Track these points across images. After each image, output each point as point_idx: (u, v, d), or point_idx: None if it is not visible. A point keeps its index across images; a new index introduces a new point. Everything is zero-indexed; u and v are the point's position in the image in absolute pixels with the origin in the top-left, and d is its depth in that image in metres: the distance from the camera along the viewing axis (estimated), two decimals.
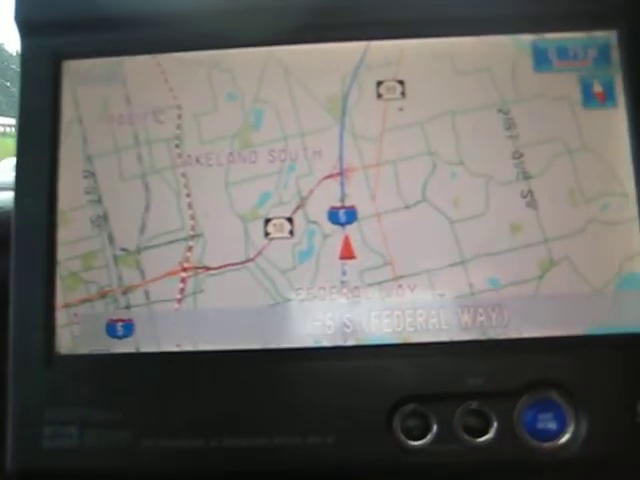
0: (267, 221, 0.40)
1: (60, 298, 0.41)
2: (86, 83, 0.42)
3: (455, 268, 0.40)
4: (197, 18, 0.42)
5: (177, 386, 0.39)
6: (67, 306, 0.41)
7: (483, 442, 0.38)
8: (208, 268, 0.40)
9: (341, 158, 0.41)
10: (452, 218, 0.40)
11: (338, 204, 0.40)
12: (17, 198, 0.41)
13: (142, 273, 0.41)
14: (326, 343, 0.40)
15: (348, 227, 0.40)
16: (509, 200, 0.40)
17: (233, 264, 0.40)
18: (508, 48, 0.41)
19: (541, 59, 0.41)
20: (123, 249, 0.41)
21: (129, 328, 0.40)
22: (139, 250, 0.41)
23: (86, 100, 0.42)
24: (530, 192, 0.40)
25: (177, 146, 0.41)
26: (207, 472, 0.39)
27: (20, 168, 0.41)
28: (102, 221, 0.41)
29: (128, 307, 0.40)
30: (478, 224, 0.40)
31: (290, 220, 0.40)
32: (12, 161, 0.43)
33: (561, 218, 0.39)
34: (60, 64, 0.42)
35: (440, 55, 0.41)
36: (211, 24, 0.42)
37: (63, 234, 0.41)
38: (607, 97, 0.40)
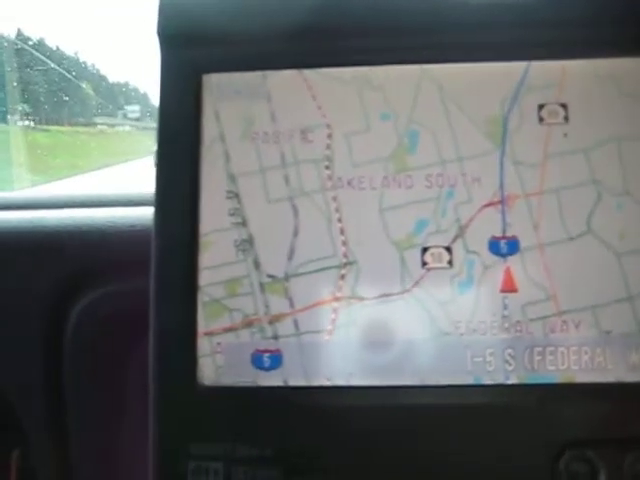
0: (424, 250, 0.39)
1: (202, 326, 0.39)
2: (228, 98, 0.40)
3: (622, 304, 0.38)
4: (346, 32, 0.40)
5: (329, 422, 0.37)
6: (210, 334, 0.39)
7: None
8: (361, 298, 0.39)
9: (502, 185, 0.39)
10: (618, 251, 0.38)
11: (499, 234, 0.39)
12: (157, 219, 0.39)
13: (291, 302, 0.39)
14: (487, 381, 0.38)
15: (510, 258, 0.39)
16: None
17: (388, 294, 0.38)
18: None
19: None
20: (270, 275, 0.39)
21: (277, 359, 0.39)
22: (287, 277, 0.39)
23: (228, 116, 0.40)
24: None
25: (327, 167, 0.39)
26: None
27: (160, 186, 0.40)
28: (247, 245, 0.39)
29: (276, 337, 0.39)
30: None
31: (449, 249, 0.39)
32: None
33: None
34: (200, 78, 0.40)
35: (604, 77, 0.40)
36: (361, 39, 0.40)
37: (205, 258, 0.39)
38: None
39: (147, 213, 0.47)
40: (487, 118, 0.40)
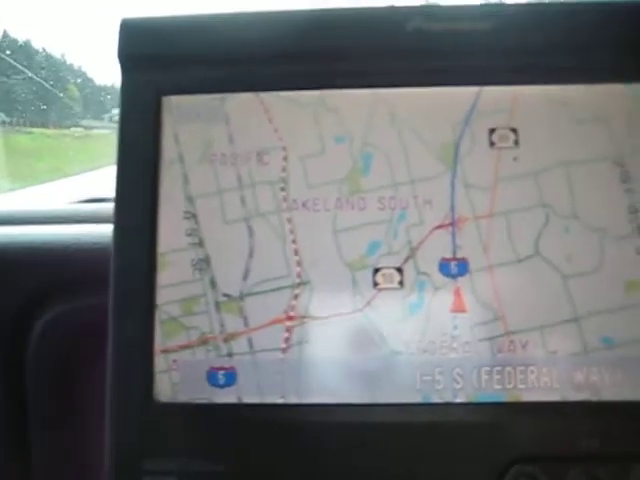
0: (376, 271, 0.40)
1: (159, 343, 0.40)
2: (187, 120, 0.42)
3: (568, 325, 0.39)
4: (301, 56, 0.41)
5: (282, 439, 0.39)
6: (166, 352, 0.40)
7: None
8: (315, 317, 0.40)
9: (453, 207, 0.40)
10: (565, 273, 0.40)
11: (450, 255, 0.40)
12: (116, 237, 0.41)
13: (245, 320, 0.40)
14: (435, 399, 0.39)
15: (460, 279, 0.40)
16: (624, 256, 0.39)
17: (341, 314, 0.40)
18: (624, 97, 0.41)
19: None
20: (226, 295, 0.40)
21: (231, 377, 0.40)
22: (242, 296, 0.40)
23: (187, 138, 0.41)
24: None
25: (282, 189, 0.40)
26: None
27: (119, 206, 0.41)
28: (204, 265, 0.40)
29: (230, 355, 0.40)
30: (592, 280, 0.39)
31: (400, 270, 0.40)
32: None
33: None
34: (160, 100, 0.41)
35: (554, 102, 0.41)
36: (316, 63, 0.41)
37: (163, 277, 0.40)
38: None
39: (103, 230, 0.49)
40: (439, 141, 0.41)
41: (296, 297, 0.40)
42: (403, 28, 0.41)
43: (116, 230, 0.41)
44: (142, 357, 0.40)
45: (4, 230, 0.59)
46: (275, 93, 0.42)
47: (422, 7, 0.42)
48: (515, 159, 0.41)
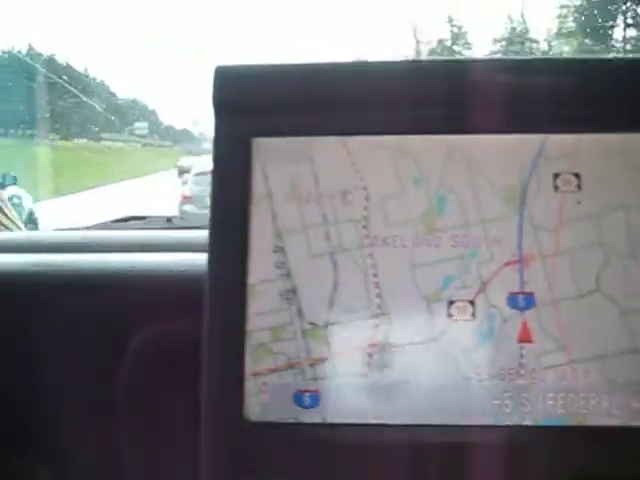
0: (450, 303, 0.44)
1: (250, 367, 0.44)
2: (275, 161, 0.46)
3: (626, 355, 0.43)
4: (382, 103, 0.45)
5: (363, 457, 0.43)
6: (256, 375, 0.44)
7: None
8: (393, 345, 0.44)
9: (520, 246, 0.44)
10: (624, 308, 0.44)
11: (517, 290, 0.44)
12: (210, 268, 0.45)
13: (329, 347, 0.44)
14: (505, 422, 0.43)
15: (526, 312, 0.44)
16: None
17: (417, 342, 0.44)
18: None
19: None
20: (311, 323, 0.44)
21: (316, 399, 0.44)
22: (327, 325, 0.44)
23: (275, 177, 0.45)
24: None
25: (364, 227, 0.45)
26: None
27: (213, 239, 0.45)
28: (291, 295, 0.44)
29: (315, 378, 0.44)
30: None
31: (472, 303, 0.44)
32: None
33: None
34: (250, 142, 0.45)
35: (614, 150, 0.45)
36: (396, 110, 0.45)
37: (253, 306, 0.44)
38: None
39: (193, 259, 0.53)
40: (508, 185, 0.45)
41: (377, 326, 0.45)
42: (478, 80, 0.46)
43: (211, 261, 0.45)
44: (234, 380, 0.44)
45: (93, 257, 0.63)
46: (357, 137, 0.46)
47: (496, 60, 0.46)
48: (578, 202, 0.45)
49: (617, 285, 0.44)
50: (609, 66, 0.46)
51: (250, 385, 0.44)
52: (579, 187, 0.45)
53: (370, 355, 0.44)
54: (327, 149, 0.46)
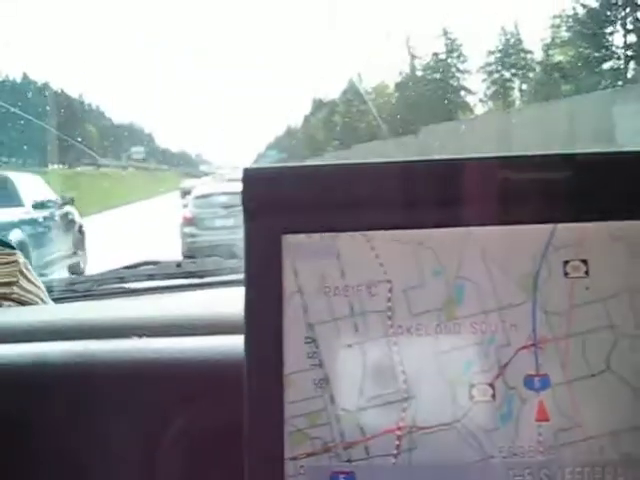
0: (472, 386, 0.48)
1: (288, 451, 0.48)
2: (304, 256, 0.50)
3: (639, 431, 0.48)
4: (402, 201, 0.50)
5: None
6: (294, 459, 0.48)
7: None
8: (420, 427, 0.48)
9: (534, 330, 0.49)
10: (635, 386, 0.48)
11: (533, 372, 0.48)
12: (248, 360, 0.49)
13: (362, 430, 0.48)
14: None
15: (542, 393, 0.48)
16: None
17: (443, 424, 0.48)
18: None
19: None
20: (344, 409, 0.49)
21: (351, 479, 0.48)
22: (358, 410, 0.48)
23: (305, 272, 0.50)
24: None
25: (389, 317, 0.49)
26: None
27: (249, 332, 0.49)
28: (324, 383, 0.49)
29: (350, 461, 0.48)
30: None
31: (492, 386, 0.48)
32: None
33: None
34: (280, 238, 0.50)
35: (617, 237, 0.50)
36: (415, 207, 0.50)
37: (289, 394, 0.49)
38: None
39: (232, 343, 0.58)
40: (521, 273, 0.50)
41: (404, 410, 0.49)
42: (491, 176, 0.50)
43: (248, 353, 0.50)
44: (274, 464, 0.49)
45: (134, 343, 0.67)
46: (379, 232, 0.51)
47: (506, 158, 0.51)
48: (587, 288, 0.49)
49: (627, 364, 0.48)
50: (611, 159, 0.50)
51: (289, 468, 0.48)
52: (587, 273, 0.49)
53: (399, 438, 0.48)
54: (352, 244, 0.50)
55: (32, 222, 5.31)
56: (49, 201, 5.85)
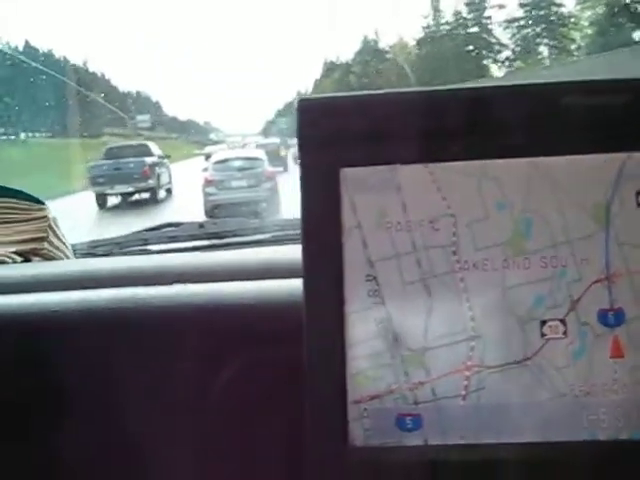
0: (543, 323, 0.49)
1: (351, 394, 0.49)
2: (363, 190, 0.51)
3: None
4: (465, 130, 0.50)
5: (464, 476, 0.48)
6: (358, 402, 0.49)
7: None
8: (489, 366, 0.49)
9: (607, 264, 0.49)
10: None
11: (607, 307, 0.49)
12: (307, 299, 0.50)
13: (427, 371, 0.49)
14: (601, 437, 0.48)
15: (617, 329, 0.49)
16: None
17: (512, 362, 0.49)
18: None
19: None
20: (408, 349, 0.49)
21: (417, 422, 0.49)
22: (424, 350, 0.49)
23: (364, 207, 0.50)
24: None
25: (454, 253, 0.50)
26: None
27: (308, 271, 0.50)
28: (387, 323, 0.49)
29: (416, 403, 0.49)
30: None
31: (563, 322, 0.49)
32: None
33: None
34: (338, 172, 0.50)
35: None
36: (478, 136, 0.50)
37: (351, 335, 0.50)
38: None
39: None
40: (592, 204, 0.50)
41: (472, 349, 0.50)
42: (558, 103, 0.50)
43: (307, 292, 0.50)
44: (337, 407, 0.49)
45: (192, 288, 0.69)
46: (442, 164, 0.51)
47: (574, 82, 0.51)
48: None
49: None
50: None
51: (352, 411, 0.49)
52: None
53: (467, 377, 0.49)
54: (413, 177, 0.50)
55: (158, 164, 11.27)
56: (161, 155, 11.90)
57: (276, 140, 17.92)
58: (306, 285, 0.50)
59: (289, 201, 8.80)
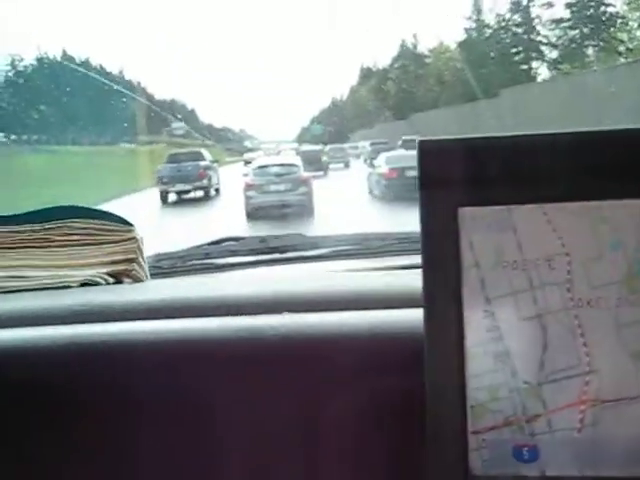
0: None
1: (470, 425, 0.53)
2: (479, 230, 0.54)
3: None
4: (578, 172, 0.54)
5: None
6: (477, 432, 0.53)
7: None
8: (604, 400, 0.52)
9: None
10: None
11: None
12: (428, 332, 0.54)
13: (544, 404, 0.53)
14: None
15: None
16: None
17: (627, 397, 0.52)
18: None
19: None
20: (526, 382, 0.53)
21: (534, 453, 0.53)
22: (540, 384, 0.53)
23: (481, 245, 0.54)
24: None
25: (568, 290, 0.53)
26: None
27: (429, 304, 0.54)
28: (504, 357, 0.53)
29: (532, 434, 0.52)
30: None
31: None
32: None
33: None
34: (457, 211, 0.54)
35: None
36: (591, 178, 0.53)
37: (470, 367, 0.53)
38: None
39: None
40: None
41: (587, 384, 0.53)
42: None
43: (428, 327, 0.54)
44: (458, 437, 0.53)
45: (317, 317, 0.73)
46: (556, 205, 0.54)
47: None
48: None
49: None
50: None
51: (472, 442, 0.53)
52: None
53: (582, 411, 0.52)
54: (528, 217, 0.54)
55: (210, 167, 14.48)
56: (211, 160, 14.93)
57: (318, 147, 20.54)
58: (427, 320, 0.54)
59: (325, 202, 11.04)
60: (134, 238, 0.97)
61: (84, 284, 0.92)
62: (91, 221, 0.97)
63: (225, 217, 11.05)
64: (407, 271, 0.99)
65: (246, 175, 12.32)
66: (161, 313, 0.75)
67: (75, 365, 0.68)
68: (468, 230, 0.54)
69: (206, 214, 12.10)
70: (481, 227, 0.54)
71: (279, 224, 9.87)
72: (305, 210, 10.73)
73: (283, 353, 0.67)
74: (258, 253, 1.44)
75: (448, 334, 0.53)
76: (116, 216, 0.98)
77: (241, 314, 0.71)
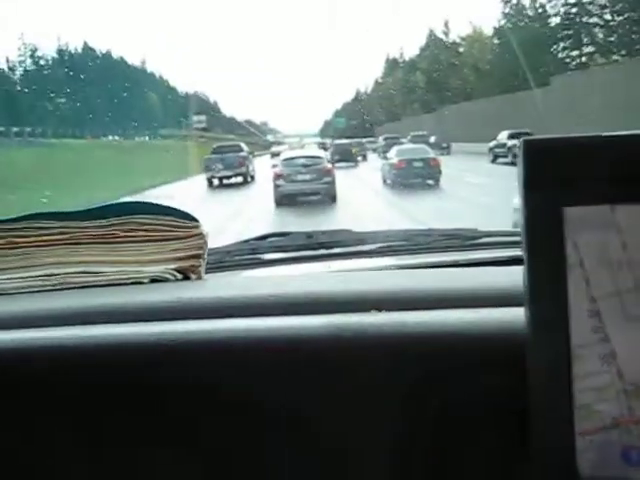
0: None
1: (578, 426, 0.54)
2: (584, 229, 0.55)
3: None
4: None
5: None
6: (584, 434, 0.54)
7: None
8: None
9: None
10: None
11: None
12: (532, 332, 0.55)
13: None
14: None
15: None
16: None
17: None
18: None
19: None
20: (632, 384, 0.53)
21: None
22: None
23: (585, 245, 0.55)
24: None
25: None
26: None
27: (533, 304, 0.55)
28: (610, 358, 0.54)
29: None
30: None
31: None
32: None
33: None
34: (562, 211, 0.55)
35: None
36: None
37: (576, 368, 0.54)
38: None
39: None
40: None
41: None
42: None
43: (532, 326, 0.55)
44: (564, 438, 0.54)
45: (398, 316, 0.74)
46: None
47: None
48: None
49: None
50: None
51: (579, 443, 0.53)
52: None
53: None
54: (633, 216, 0.54)
55: (247, 157, 18.02)
56: (248, 151, 18.50)
57: (348, 140, 23.03)
58: (531, 319, 0.54)
59: (349, 191, 13.71)
60: (200, 234, 0.98)
61: (154, 280, 0.93)
62: (157, 217, 0.98)
63: (262, 194, 14.07)
64: (462, 269, 1.01)
65: (275, 166, 14.16)
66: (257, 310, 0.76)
67: (161, 364, 0.70)
68: (573, 229, 0.55)
69: (247, 194, 15.99)
70: (585, 226, 0.55)
71: (305, 208, 12.29)
72: (328, 197, 12.86)
73: (389, 352, 0.68)
74: (304, 248, 1.45)
75: (553, 334, 0.53)
76: (182, 212, 0.99)
77: (326, 312, 0.72)
